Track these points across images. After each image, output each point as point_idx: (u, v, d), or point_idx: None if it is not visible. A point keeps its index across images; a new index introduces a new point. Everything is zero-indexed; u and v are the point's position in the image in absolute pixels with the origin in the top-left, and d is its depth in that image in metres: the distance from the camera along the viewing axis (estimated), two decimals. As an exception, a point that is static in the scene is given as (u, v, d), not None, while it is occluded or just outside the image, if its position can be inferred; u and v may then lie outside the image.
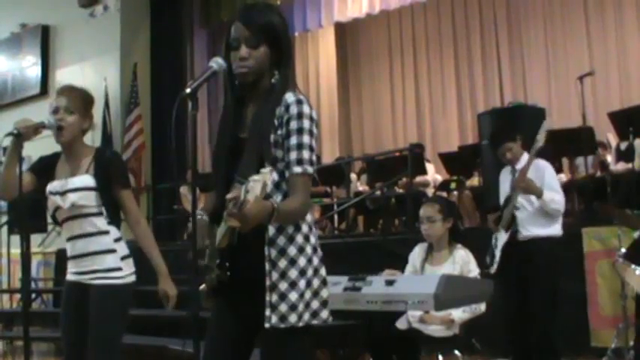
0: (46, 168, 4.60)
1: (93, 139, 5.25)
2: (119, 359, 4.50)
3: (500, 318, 6.62)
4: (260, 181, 2.68)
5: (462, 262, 5.94)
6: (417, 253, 6.25)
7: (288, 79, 3.16)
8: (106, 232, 4.44)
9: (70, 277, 4.56)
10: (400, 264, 6.29)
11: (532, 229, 6.69)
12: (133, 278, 4.53)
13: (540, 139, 6.59)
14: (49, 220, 4.78)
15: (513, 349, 6.89)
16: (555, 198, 6.62)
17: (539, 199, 6.58)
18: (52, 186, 4.50)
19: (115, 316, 4.42)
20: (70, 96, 4.52)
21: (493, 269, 6.67)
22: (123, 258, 4.47)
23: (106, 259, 4.42)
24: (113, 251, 4.45)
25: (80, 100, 4.54)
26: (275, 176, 3.02)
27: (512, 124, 8.26)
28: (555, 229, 6.73)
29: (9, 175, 4.38)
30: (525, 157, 6.81)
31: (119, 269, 4.43)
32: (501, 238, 6.77)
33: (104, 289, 4.39)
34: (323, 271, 3.15)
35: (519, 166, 6.82)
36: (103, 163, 4.47)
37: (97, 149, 4.61)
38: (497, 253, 6.74)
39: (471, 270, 5.91)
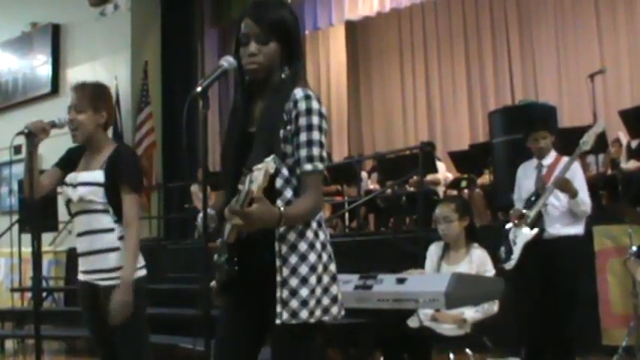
0: (72, 161, 4.61)
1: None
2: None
3: (511, 317, 6.59)
4: (262, 169, 2.69)
5: (478, 261, 5.93)
6: (433, 251, 6.23)
7: (297, 74, 3.16)
8: (111, 230, 4.41)
9: (80, 276, 4.56)
10: (411, 262, 6.29)
11: (559, 228, 6.63)
12: (140, 273, 4.46)
13: (588, 141, 6.58)
14: (60, 218, 4.80)
15: (527, 347, 6.86)
16: (586, 201, 6.59)
17: (573, 199, 6.55)
18: (69, 177, 4.51)
19: (128, 317, 4.38)
20: (79, 94, 4.52)
21: (510, 265, 6.62)
22: None
23: (108, 258, 4.40)
24: (117, 249, 4.41)
25: (89, 96, 4.51)
26: (285, 172, 3.02)
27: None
28: (579, 229, 6.70)
29: (31, 178, 4.43)
30: (553, 154, 6.78)
31: (122, 267, 4.38)
32: (523, 235, 6.69)
33: (111, 291, 4.36)
34: (333, 267, 3.14)
35: (547, 161, 6.79)
36: (115, 161, 4.45)
37: (117, 146, 4.59)
38: (517, 250, 6.67)
39: (487, 270, 5.90)
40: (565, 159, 6.71)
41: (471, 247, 6.06)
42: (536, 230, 6.63)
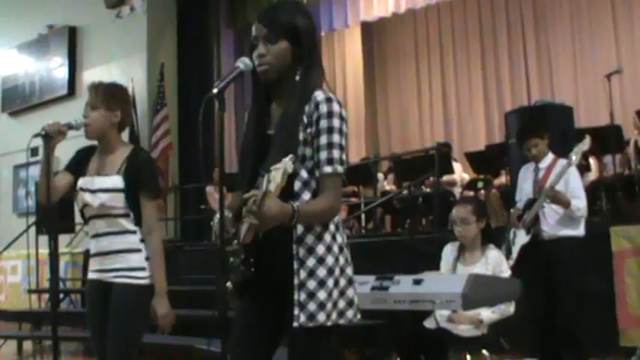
0: (81, 163, 4.60)
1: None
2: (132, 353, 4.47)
3: (527, 317, 6.58)
4: (280, 169, 2.69)
5: (494, 262, 5.91)
6: (449, 252, 6.22)
7: (314, 75, 3.15)
8: (133, 232, 4.42)
9: (92, 275, 4.55)
10: (427, 263, 6.28)
11: (558, 229, 6.66)
12: None
13: (575, 157, 6.58)
14: (77, 220, 4.78)
15: (541, 349, 6.86)
16: (580, 206, 6.60)
17: (566, 208, 6.56)
18: (83, 181, 4.49)
19: (133, 315, 4.40)
20: (93, 92, 4.53)
21: (509, 264, 6.64)
22: (148, 258, 4.44)
23: (130, 258, 4.40)
24: (138, 251, 4.42)
25: (104, 94, 4.52)
26: (304, 174, 3.02)
27: (540, 122, 8.21)
28: (579, 230, 6.71)
29: (47, 180, 4.42)
30: (550, 156, 6.80)
31: (142, 269, 4.40)
32: (521, 237, 6.73)
33: (125, 288, 4.38)
34: (349, 271, 3.13)
35: (543, 165, 6.81)
36: (135, 167, 4.45)
37: (132, 149, 4.58)
38: (515, 251, 6.71)
39: (502, 271, 5.88)
40: (561, 161, 6.73)
41: (486, 248, 6.05)
42: (529, 235, 6.69)
